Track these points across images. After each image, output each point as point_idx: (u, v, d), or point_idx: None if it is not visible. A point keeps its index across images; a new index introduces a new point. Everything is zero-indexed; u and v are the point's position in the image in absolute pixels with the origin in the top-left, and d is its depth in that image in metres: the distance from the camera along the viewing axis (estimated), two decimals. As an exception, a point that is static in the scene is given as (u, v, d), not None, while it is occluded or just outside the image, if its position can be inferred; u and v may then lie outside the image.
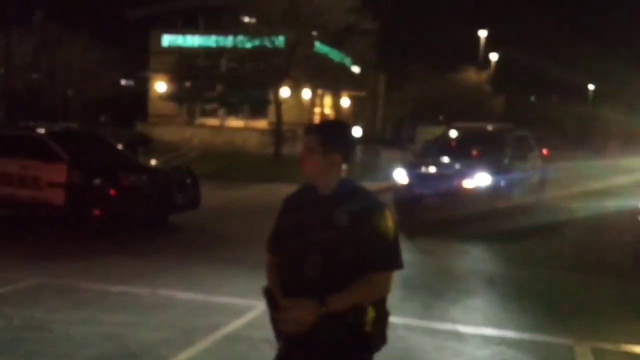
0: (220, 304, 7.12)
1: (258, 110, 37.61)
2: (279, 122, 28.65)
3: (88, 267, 8.83)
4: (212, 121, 38.80)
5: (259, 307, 6.33)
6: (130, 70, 42.47)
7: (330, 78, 31.77)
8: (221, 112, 37.56)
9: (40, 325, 6.25)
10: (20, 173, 11.63)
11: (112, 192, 11.23)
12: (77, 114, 38.36)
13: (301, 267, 2.86)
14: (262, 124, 37.56)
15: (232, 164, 24.67)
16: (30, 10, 34.93)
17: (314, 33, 28.91)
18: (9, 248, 9.93)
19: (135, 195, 11.32)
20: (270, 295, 2.92)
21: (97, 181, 11.30)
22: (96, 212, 11.23)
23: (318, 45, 31.42)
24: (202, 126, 38.50)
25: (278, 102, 28.84)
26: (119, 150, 14.05)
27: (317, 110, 39.88)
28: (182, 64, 34.31)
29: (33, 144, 11.89)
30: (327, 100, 42.37)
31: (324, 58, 32.17)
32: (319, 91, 38.40)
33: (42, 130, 12.26)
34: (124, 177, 11.46)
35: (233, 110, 38.09)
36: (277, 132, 28.84)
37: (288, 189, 3.51)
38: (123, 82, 46.89)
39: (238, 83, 31.01)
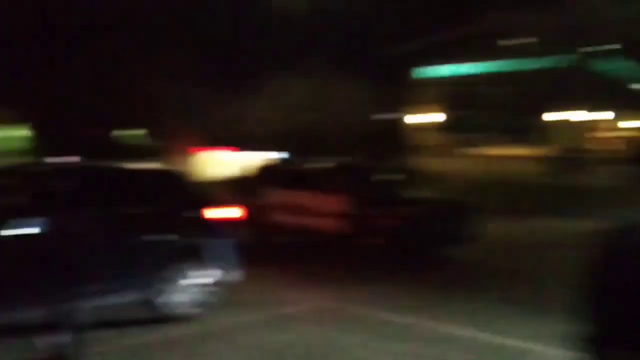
0: (501, 345, 7.02)
1: (524, 137, 36.54)
2: (561, 148, 27.51)
3: (368, 294, 9.46)
4: (479, 150, 38.56)
5: (537, 352, 6.32)
6: (391, 103, 44.14)
7: (610, 97, 29.76)
8: (488, 140, 37.24)
9: (337, 346, 6.86)
10: (307, 203, 13.00)
11: (390, 222, 11.96)
12: (345, 149, 41.01)
13: None
14: (530, 150, 36.39)
15: (507, 193, 24.28)
16: (308, 55, 38.39)
17: (605, 48, 27.35)
18: (299, 271, 11.07)
19: (412, 226, 11.92)
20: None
21: (377, 211, 12.16)
22: (376, 241, 12.03)
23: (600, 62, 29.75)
24: (470, 155, 38.42)
25: (553, 127, 27.79)
26: (393, 181, 14.96)
27: (600, 134, 37.47)
28: (453, 94, 34.77)
29: (318, 176, 13.26)
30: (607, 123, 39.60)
31: (604, 75, 30.34)
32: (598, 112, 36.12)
33: (325, 164, 13.61)
34: (402, 208, 12.17)
35: (501, 137, 37.51)
36: (561, 159, 27.64)
37: (578, 224, 3.38)
38: (385, 116, 48.83)
39: (514, 108, 30.49)
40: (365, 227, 12.07)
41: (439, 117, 36.98)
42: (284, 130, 35.10)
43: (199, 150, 51.96)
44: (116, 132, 34.30)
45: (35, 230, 6.15)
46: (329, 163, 13.79)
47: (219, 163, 55.61)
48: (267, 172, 15.18)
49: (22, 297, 6.35)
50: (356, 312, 8.38)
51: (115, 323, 7.43)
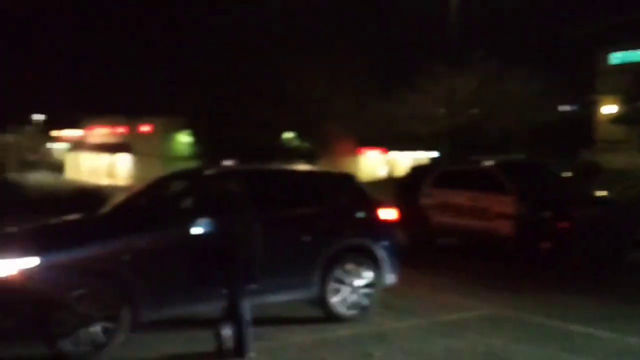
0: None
1: None
2: None
3: (541, 301, 9.03)
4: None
5: None
6: (572, 94, 41.89)
7: None
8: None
9: (503, 355, 6.62)
10: (470, 205, 12.61)
11: (562, 225, 11.31)
12: (516, 146, 39.53)
13: None
14: None
15: None
16: (471, 50, 37.47)
17: None
18: (464, 276, 10.76)
19: (586, 229, 11.20)
20: None
21: (546, 213, 11.54)
22: (545, 245, 11.44)
23: None
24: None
25: None
26: (567, 180, 14.12)
27: None
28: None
29: (482, 176, 12.77)
30: None
31: None
32: None
33: (489, 163, 13.08)
34: (575, 210, 11.45)
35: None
36: None
37: None
38: (564, 108, 46.47)
39: None
40: (534, 230, 11.51)
41: (623, 108, 34.32)
42: (443, 128, 34.48)
43: (352, 151, 52.58)
44: (273, 135, 35.40)
45: (212, 229, 6.45)
46: (493, 161, 13.22)
47: (372, 163, 56.02)
48: (423, 172, 14.96)
49: (199, 292, 6.78)
50: (523, 320, 8.05)
51: (281, 321, 7.64)
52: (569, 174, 15.81)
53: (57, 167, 68.41)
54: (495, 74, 37.95)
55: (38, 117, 60.94)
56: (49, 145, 67.32)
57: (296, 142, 37.87)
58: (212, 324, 6.51)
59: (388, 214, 8.35)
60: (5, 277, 6.03)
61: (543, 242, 11.44)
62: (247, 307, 6.41)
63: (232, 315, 6.38)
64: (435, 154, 47.04)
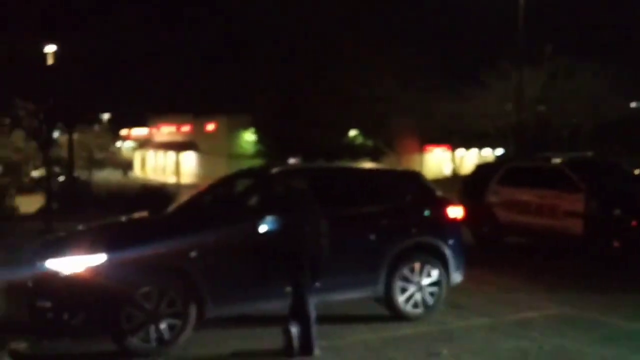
0: None
1: None
2: None
3: (610, 301, 8.79)
4: None
5: None
6: (643, 90, 40.59)
7: None
8: None
9: (570, 356, 6.50)
10: (538, 202, 12.35)
11: (633, 223, 10.98)
12: (585, 142, 38.58)
13: None
14: None
15: None
16: (540, 46, 36.73)
17: None
18: (531, 275, 10.55)
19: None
20: None
21: (616, 212, 11.21)
22: (616, 243, 11.13)
23: None
24: None
25: None
26: (638, 178, 13.65)
27: None
28: None
29: (551, 173, 12.49)
30: None
31: None
32: None
33: (558, 160, 12.78)
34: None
35: None
36: None
37: None
38: (635, 105, 45.12)
39: None
40: (604, 229, 11.18)
41: None
42: (510, 125, 33.87)
43: (417, 148, 52.19)
44: (338, 133, 35.42)
45: (278, 227, 6.55)
46: (562, 158, 12.90)
47: (437, 161, 55.50)
48: (489, 169, 14.73)
49: (264, 290, 6.87)
50: (591, 320, 7.87)
51: (346, 319, 7.67)
52: (639, 172, 15.28)
53: (125, 165, 70.20)
54: (565, 69, 37.13)
55: (105, 116, 62.61)
56: (117, 143, 69.11)
57: (360, 140, 37.79)
58: (278, 321, 6.57)
59: (454, 212, 8.27)
60: (74, 274, 6.21)
61: (613, 241, 11.11)
62: (313, 305, 6.45)
63: (298, 313, 6.42)
64: (501, 151, 46.37)
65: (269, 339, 6.80)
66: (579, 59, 36.84)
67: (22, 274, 6.76)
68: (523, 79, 29.23)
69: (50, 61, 25.65)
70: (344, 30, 33.88)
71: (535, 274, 10.67)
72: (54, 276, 6.26)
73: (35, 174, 42.73)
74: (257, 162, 31.64)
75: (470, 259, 8.44)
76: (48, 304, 6.26)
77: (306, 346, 6.36)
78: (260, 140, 38.69)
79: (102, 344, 6.47)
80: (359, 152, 36.12)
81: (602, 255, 11.38)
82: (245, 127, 43.52)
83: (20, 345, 6.56)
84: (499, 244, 13.34)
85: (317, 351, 6.36)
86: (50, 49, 25.99)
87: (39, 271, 6.40)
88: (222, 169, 33.87)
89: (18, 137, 34.76)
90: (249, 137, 43.23)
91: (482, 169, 15.33)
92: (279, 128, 34.59)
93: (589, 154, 16.73)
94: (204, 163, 53.38)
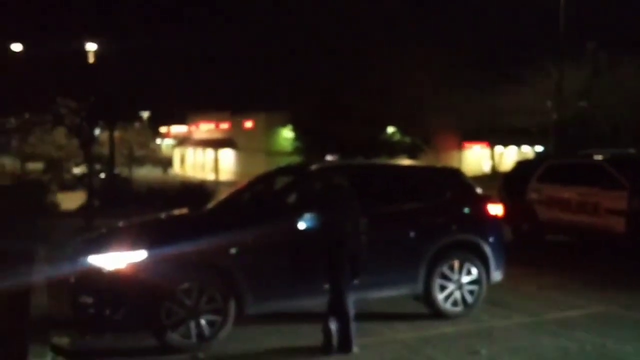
0: None
1: None
2: None
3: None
4: None
5: None
6: None
7: None
8: None
9: (612, 355, 6.38)
10: (579, 200, 12.16)
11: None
12: (627, 139, 37.83)
13: None
14: None
15: None
16: (583, 41, 36.17)
17: None
18: (572, 273, 10.39)
19: None
20: None
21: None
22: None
23: None
24: None
25: None
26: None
27: None
28: None
29: (592, 171, 12.28)
30: None
31: None
32: None
33: (600, 157, 12.55)
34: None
35: None
36: None
37: None
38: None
39: None
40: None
41: None
42: (550, 121, 33.38)
43: (455, 145, 51.76)
44: (376, 130, 35.31)
45: (318, 225, 6.58)
46: (603, 155, 12.66)
47: (476, 158, 54.93)
48: (529, 166, 14.55)
49: (303, 286, 6.89)
50: (634, 319, 7.74)
51: (384, 316, 7.64)
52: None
53: (164, 162, 71.00)
54: (606, 65, 36.49)
55: (145, 113, 63.38)
56: (156, 141, 69.92)
57: (398, 137, 37.62)
58: (317, 318, 6.58)
59: (494, 209, 8.18)
60: (116, 271, 6.30)
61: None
62: (352, 302, 6.44)
63: (337, 310, 6.42)
64: (540, 148, 45.73)
65: (307, 335, 6.82)
66: (621, 54, 36.17)
67: (65, 270, 6.89)
68: (563, 75, 28.80)
69: (91, 60, 26.04)
70: (383, 28, 33.79)
71: (576, 272, 10.50)
72: (96, 272, 6.36)
73: (77, 171, 43.48)
74: (294, 159, 31.73)
75: (510, 257, 8.34)
76: (90, 300, 6.37)
77: (345, 343, 6.36)
78: (298, 137, 38.78)
79: (143, 339, 6.54)
80: (396, 149, 35.99)
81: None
82: (283, 124, 43.70)
83: (63, 341, 6.67)
84: (539, 242, 13.17)
85: (355, 349, 6.35)
86: (91, 47, 26.41)
87: (81, 267, 6.50)
88: (260, 166, 34.03)
89: (60, 134, 35.35)
90: (286, 134, 43.39)
91: (523, 166, 15.15)
92: (317, 125, 34.61)
93: (632, 150, 16.39)
94: (242, 160, 53.73)
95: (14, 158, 45.47)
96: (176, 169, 71.20)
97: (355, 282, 6.54)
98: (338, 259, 6.42)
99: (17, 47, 31.01)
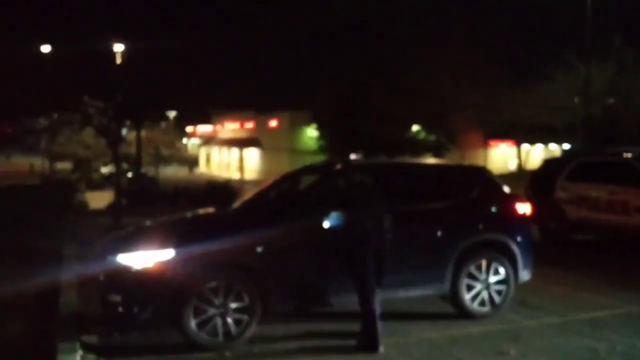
0: None
1: None
2: None
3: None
4: None
5: None
6: None
7: None
8: None
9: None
10: (609, 198, 11.99)
11: None
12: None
13: None
14: None
15: None
16: (609, 37, 35.70)
17: None
18: (600, 273, 10.24)
19: None
20: None
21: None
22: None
23: None
24: None
25: None
26: None
27: None
28: None
29: (622, 169, 12.10)
30: None
31: None
32: None
33: (629, 155, 12.37)
34: None
35: None
36: None
37: None
38: None
39: None
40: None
41: None
42: (577, 119, 33.04)
43: (481, 143, 51.36)
44: (400, 129, 35.21)
45: (343, 223, 6.55)
46: (633, 153, 12.47)
47: (502, 156, 54.49)
48: (556, 165, 14.39)
49: (329, 285, 6.88)
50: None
51: (411, 316, 7.60)
52: None
53: (190, 161, 71.44)
54: (633, 60, 35.98)
55: (172, 113, 63.88)
56: (182, 140, 70.41)
57: (423, 135, 37.50)
58: (343, 317, 6.54)
59: (522, 208, 8.09)
60: (144, 269, 6.33)
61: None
62: (378, 301, 6.41)
63: (363, 309, 6.40)
64: (567, 146, 45.22)
65: (333, 335, 6.82)
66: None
67: (94, 268, 6.94)
68: (591, 71, 28.46)
69: (118, 60, 26.28)
70: (407, 27, 33.67)
71: (605, 271, 10.35)
72: (125, 271, 6.40)
73: (104, 170, 43.91)
74: (319, 158, 31.74)
75: (538, 257, 8.24)
76: (119, 298, 6.41)
77: (371, 343, 6.33)
78: (322, 136, 38.80)
79: (171, 337, 6.57)
80: (421, 147, 35.88)
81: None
82: (307, 123, 43.74)
83: (92, 338, 6.72)
84: (568, 241, 13.02)
85: (382, 348, 6.32)
86: (118, 48, 26.65)
87: (110, 266, 6.55)
88: (285, 165, 34.08)
89: (88, 134, 35.72)
90: (311, 132, 43.41)
91: (550, 164, 14.99)
92: (341, 124, 34.63)
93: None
94: (266, 159, 53.85)
95: (43, 158, 46.08)
96: (202, 168, 71.57)
97: (382, 281, 6.51)
98: (362, 257, 6.39)
99: (45, 48, 31.41)
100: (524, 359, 6.25)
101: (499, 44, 33.42)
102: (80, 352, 6.07)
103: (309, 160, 23.48)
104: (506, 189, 8.24)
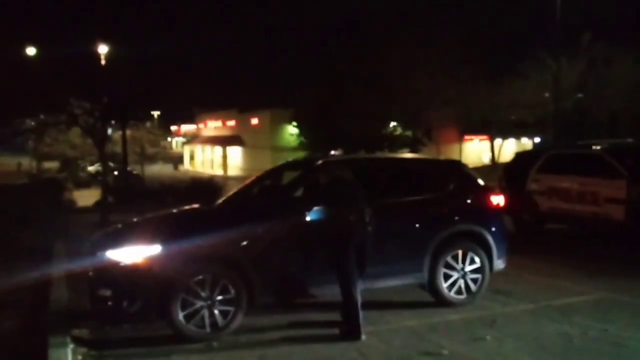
0: None
1: None
2: None
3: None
4: None
5: None
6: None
7: None
8: None
9: (614, 340, 6.36)
10: (579, 189, 12.12)
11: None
12: (624, 129, 37.70)
13: None
14: None
15: None
16: (578, 34, 36.02)
17: None
18: (572, 261, 10.36)
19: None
20: None
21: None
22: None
23: None
24: None
25: None
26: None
27: None
28: None
29: (591, 160, 12.23)
30: None
31: None
32: None
33: (598, 147, 12.50)
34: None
35: None
36: None
37: None
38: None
39: None
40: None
41: None
42: (548, 113, 33.31)
43: (456, 138, 51.62)
44: (379, 125, 35.27)
45: (325, 217, 6.60)
46: (602, 145, 12.61)
47: (476, 151, 54.81)
48: (528, 158, 14.52)
49: (312, 277, 6.91)
50: (635, 305, 7.70)
51: (391, 305, 7.66)
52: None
53: (175, 159, 71.09)
54: (603, 56, 36.35)
55: (156, 113, 63.51)
56: (167, 139, 70.06)
57: (400, 131, 37.60)
58: (325, 307, 6.57)
59: (496, 199, 8.17)
60: (132, 264, 6.32)
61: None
62: (359, 291, 6.46)
63: (344, 299, 6.44)
64: (539, 139, 45.61)
65: (316, 325, 6.86)
66: (617, 46, 36.03)
67: (84, 264, 6.92)
68: (561, 67, 28.70)
69: (103, 62, 26.10)
70: (383, 25, 33.73)
71: (577, 260, 10.48)
72: (114, 266, 6.39)
73: (91, 169, 43.56)
74: (300, 155, 31.73)
75: (511, 246, 8.32)
76: (108, 293, 6.39)
77: (353, 332, 6.37)
78: (303, 133, 38.78)
79: (160, 329, 6.57)
80: (398, 143, 35.97)
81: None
82: (288, 120, 43.70)
83: (83, 331, 6.70)
84: (540, 231, 13.14)
85: (363, 336, 6.37)
86: (103, 50, 26.46)
87: (99, 261, 6.53)
88: (267, 162, 34.05)
89: (75, 134, 35.39)
90: (291, 130, 43.38)
91: (522, 157, 15.11)
92: (321, 121, 34.61)
93: (630, 140, 16.32)
94: (249, 156, 53.78)
95: (30, 158, 45.63)
96: (186, 165, 71.31)
97: (363, 272, 6.56)
98: (344, 250, 6.43)
99: (31, 50, 31.08)
100: (499, 344, 6.31)
101: (475, 42, 33.46)
102: (71, 346, 6.06)
103: (291, 157, 23.46)
104: (481, 182, 8.32)
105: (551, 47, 30.51)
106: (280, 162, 10.00)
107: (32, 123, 28.37)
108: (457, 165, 8.66)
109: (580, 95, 38.71)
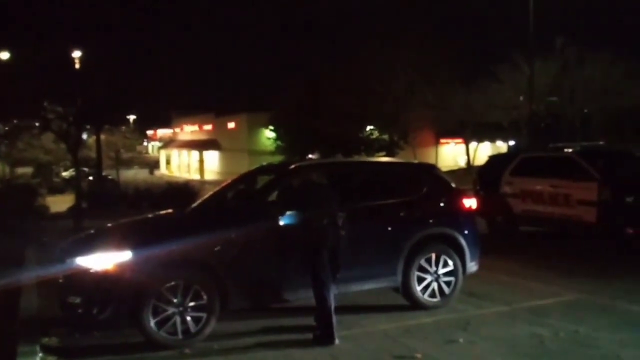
0: None
1: None
2: None
3: (625, 287, 8.67)
4: None
5: None
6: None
7: None
8: None
9: (584, 341, 6.40)
10: (551, 192, 12.25)
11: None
12: (596, 132, 38.20)
13: None
14: None
15: None
16: (551, 38, 36.42)
17: None
18: (544, 263, 10.46)
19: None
20: None
21: (629, 199, 11.10)
22: (629, 230, 11.01)
23: None
24: None
25: None
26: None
27: None
28: None
29: (563, 163, 12.37)
30: None
31: None
32: None
33: (570, 150, 12.66)
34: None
35: None
36: None
37: None
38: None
39: None
40: (617, 216, 11.06)
41: None
42: (523, 116, 33.64)
43: (431, 142, 51.88)
44: (355, 128, 35.37)
45: (298, 221, 6.58)
46: (573, 148, 12.78)
47: (451, 154, 55.16)
48: (501, 160, 14.64)
49: (285, 282, 6.87)
50: (606, 306, 7.76)
51: (365, 309, 7.65)
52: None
53: (151, 164, 70.63)
54: (576, 60, 36.78)
55: (132, 117, 63.10)
56: (143, 143, 69.62)
57: (376, 135, 37.74)
58: (299, 312, 6.54)
59: (469, 202, 8.21)
60: (103, 271, 6.24)
61: (626, 228, 10.99)
62: (332, 295, 6.44)
63: (318, 304, 6.42)
64: (513, 142, 46.00)
65: (290, 330, 6.83)
66: (592, 49, 36.47)
67: (54, 271, 6.82)
68: (535, 70, 29.02)
69: (77, 66, 25.85)
70: (358, 29, 33.82)
71: (549, 262, 10.57)
72: (84, 273, 6.30)
73: (65, 174, 43.10)
74: (277, 158, 31.70)
75: (485, 249, 8.37)
76: (78, 300, 6.31)
77: (327, 336, 6.36)
78: (280, 137, 38.76)
79: (131, 337, 6.49)
80: (375, 146, 36.10)
81: (616, 242, 11.26)
82: (265, 124, 43.67)
83: (52, 339, 6.61)
84: (513, 233, 13.25)
85: (337, 341, 6.35)
86: (76, 54, 26.21)
87: (69, 268, 6.44)
88: (244, 166, 33.92)
89: (48, 139, 35.04)
90: (268, 134, 43.34)
91: (495, 160, 15.23)
92: (297, 125, 34.62)
93: (601, 143, 16.55)
94: (226, 160, 53.59)
95: (3, 163, 45.06)
96: (162, 170, 70.86)
97: (336, 276, 6.55)
98: (317, 254, 6.41)
99: (4, 55, 30.71)
100: (473, 346, 6.33)
101: (450, 45, 33.69)
102: (40, 355, 5.98)
103: (268, 160, 23.41)
104: (454, 185, 8.36)
105: (525, 51, 30.81)
106: (256, 166, 9.97)
107: (5, 128, 28.04)
108: (430, 169, 8.70)
109: (554, 98, 39.11)
